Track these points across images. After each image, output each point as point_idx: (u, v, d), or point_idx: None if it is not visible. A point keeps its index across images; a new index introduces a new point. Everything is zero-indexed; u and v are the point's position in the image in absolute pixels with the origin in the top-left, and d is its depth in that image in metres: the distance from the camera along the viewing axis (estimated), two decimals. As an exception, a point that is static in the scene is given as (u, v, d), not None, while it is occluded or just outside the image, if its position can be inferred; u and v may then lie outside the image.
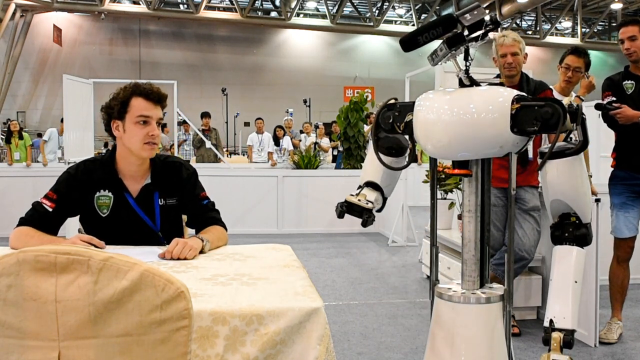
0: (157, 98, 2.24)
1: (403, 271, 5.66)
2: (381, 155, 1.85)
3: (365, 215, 1.90)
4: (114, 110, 2.24)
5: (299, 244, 6.83)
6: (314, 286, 1.68)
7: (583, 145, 1.75)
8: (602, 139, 5.54)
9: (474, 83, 1.66)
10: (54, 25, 19.34)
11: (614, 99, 3.48)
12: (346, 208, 1.91)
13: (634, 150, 3.53)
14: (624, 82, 3.56)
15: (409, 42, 1.65)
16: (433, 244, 1.96)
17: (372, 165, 1.97)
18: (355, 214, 1.91)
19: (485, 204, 1.78)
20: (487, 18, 1.60)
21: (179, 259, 1.98)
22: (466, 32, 1.59)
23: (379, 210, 2.03)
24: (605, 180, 3.78)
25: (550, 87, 3.78)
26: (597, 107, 3.53)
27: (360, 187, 2.00)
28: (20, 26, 19.00)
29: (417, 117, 1.70)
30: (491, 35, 1.65)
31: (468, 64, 1.68)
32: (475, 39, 1.60)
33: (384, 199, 2.02)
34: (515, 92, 1.63)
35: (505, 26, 21.20)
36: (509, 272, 1.78)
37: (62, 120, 10.46)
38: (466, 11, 1.59)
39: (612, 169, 3.70)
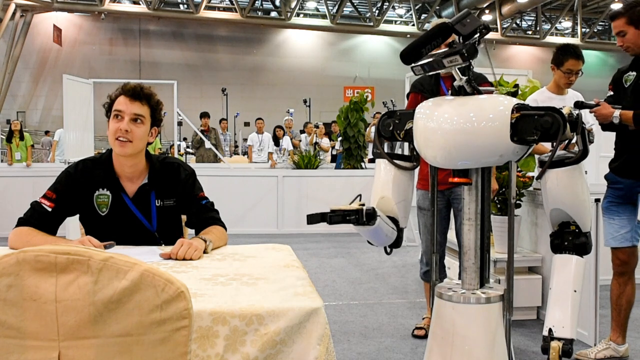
0: (132, 93, 2.20)
1: (403, 271, 5.65)
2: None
3: (351, 216, 1.68)
4: (106, 111, 2.28)
5: (299, 244, 6.83)
6: (314, 286, 1.68)
7: (583, 154, 1.75)
8: (601, 138, 5.53)
9: (475, 91, 1.66)
10: (54, 25, 19.35)
11: (611, 93, 3.18)
12: (332, 217, 1.65)
13: (618, 152, 3.21)
14: (625, 74, 3.16)
15: (412, 55, 1.63)
16: (433, 244, 1.97)
17: (380, 181, 1.94)
18: (338, 218, 1.67)
19: (485, 211, 1.79)
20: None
21: (184, 259, 1.97)
22: (461, 40, 1.60)
23: (396, 245, 1.92)
24: (603, 180, 3.54)
25: (490, 81, 3.47)
26: (576, 105, 3.05)
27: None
28: (20, 26, 19.00)
29: (417, 125, 1.70)
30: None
31: (470, 73, 1.68)
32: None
33: (400, 229, 1.92)
34: (516, 100, 1.63)
35: (505, 26, 21.19)
36: (510, 272, 1.79)
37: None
38: (459, 19, 1.59)
39: None
